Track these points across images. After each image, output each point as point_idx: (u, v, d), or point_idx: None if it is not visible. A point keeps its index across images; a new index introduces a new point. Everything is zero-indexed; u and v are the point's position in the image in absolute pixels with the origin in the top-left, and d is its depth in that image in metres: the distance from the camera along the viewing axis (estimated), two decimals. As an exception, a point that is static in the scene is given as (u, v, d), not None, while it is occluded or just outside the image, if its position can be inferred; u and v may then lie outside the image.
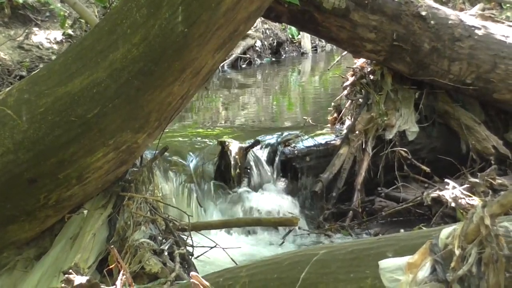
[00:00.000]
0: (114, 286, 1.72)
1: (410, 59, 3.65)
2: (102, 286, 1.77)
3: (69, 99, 1.98)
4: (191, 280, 1.47)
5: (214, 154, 3.64)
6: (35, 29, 7.28)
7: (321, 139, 3.95)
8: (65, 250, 2.04)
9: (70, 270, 1.82)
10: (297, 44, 9.64)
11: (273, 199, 3.62)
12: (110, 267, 1.94)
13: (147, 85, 1.96)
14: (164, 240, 2.20)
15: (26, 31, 6.97)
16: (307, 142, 3.91)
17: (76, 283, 1.75)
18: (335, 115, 4.10)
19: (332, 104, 4.18)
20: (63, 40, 7.27)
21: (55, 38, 7.27)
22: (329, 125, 4.15)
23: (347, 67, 4.19)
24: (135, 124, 2.04)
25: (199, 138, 3.82)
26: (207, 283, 1.46)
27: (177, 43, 1.96)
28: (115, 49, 1.98)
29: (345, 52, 4.25)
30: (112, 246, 1.92)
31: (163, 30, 1.94)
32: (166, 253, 2.09)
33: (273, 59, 8.63)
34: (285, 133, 4.04)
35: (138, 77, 1.94)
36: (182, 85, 2.03)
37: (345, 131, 3.85)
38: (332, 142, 3.88)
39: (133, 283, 1.73)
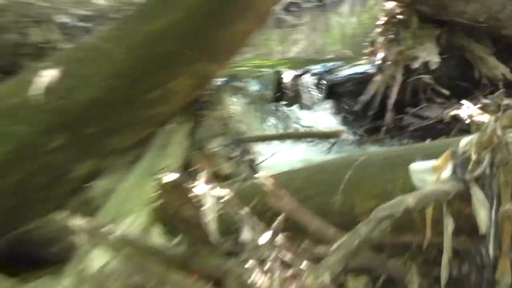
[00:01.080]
0: (198, 182, 2.21)
1: (432, 1, 4.29)
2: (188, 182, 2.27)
3: (155, 36, 2.38)
4: (259, 175, 1.92)
5: (272, 80, 4.37)
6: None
7: (359, 69, 4.65)
8: (156, 156, 2.54)
9: (161, 172, 2.33)
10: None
11: (320, 117, 4.32)
12: (192, 169, 2.44)
13: (218, 23, 2.32)
14: (234, 149, 2.67)
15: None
16: (348, 71, 4.65)
17: (168, 180, 2.25)
18: (371, 48, 4.69)
19: (369, 39, 4.77)
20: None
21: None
22: (366, 57, 4.76)
23: (380, 9, 4.75)
24: (209, 56, 2.44)
25: (258, 68, 4.36)
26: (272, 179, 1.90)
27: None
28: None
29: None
30: (194, 152, 2.41)
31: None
32: (236, 159, 2.58)
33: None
34: (330, 64, 4.75)
35: (211, 17, 2.30)
36: (246, 23, 2.38)
37: (379, 62, 4.48)
38: (368, 71, 4.54)
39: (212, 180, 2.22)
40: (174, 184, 2.12)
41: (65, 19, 2.88)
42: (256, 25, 2.52)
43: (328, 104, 4.42)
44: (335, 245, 1.77)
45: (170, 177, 2.12)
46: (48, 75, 2.41)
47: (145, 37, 2.41)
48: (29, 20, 2.84)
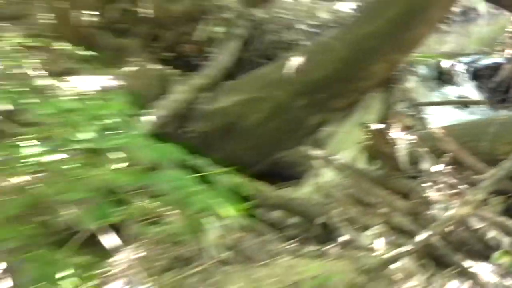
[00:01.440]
0: (392, 130, 3.40)
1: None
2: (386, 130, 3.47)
3: (364, 36, 3.68)
4: (432, 127, 3.16)
5: (435, 67, 6.17)
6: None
7: (493, 60, 6.34)
8: (362, 113, 3.84)
9: (366, 123, 3.64)
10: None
11: (468, 91, 5.98)
12: (387, 121, 3.70)
13: (406, 28, 3.55)
14: (413, 109, 3.91)
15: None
16: (486, 61, 6.37)
17: (373, 128, 3.53)
18: (502, 47, 6.39)
19: (500, 41, 6.60)
20: None
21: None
22: (498, 52, 6.42)
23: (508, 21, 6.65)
24: (398, 50, 3.69)
25: (426, 58, 5.89)
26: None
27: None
28: (388, 8, 3.61)
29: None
30: (388, 111, 3.68)
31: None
32: (414, 116, 3.82)
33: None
34: (474, 56, 6.56)
35: (401, 24, 3.53)
36: (423, 28, 3.57)
37: (507, 55, 6.07)
38: (500, 61, 6.16)
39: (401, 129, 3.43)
40: (377, 131, 3.43)
41: (303, 26, 4.35)
42: (430, 30, 3.68)
43: (472, 83, 6.15)
44: (487, 174, 2.90)
45: (374, 126, 3.43)
46: (295, 61, 3.87)
47: (357, 37, 3.74)
48: (282, 27, 4.36)
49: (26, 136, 1.86)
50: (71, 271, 1.71)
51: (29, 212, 1.66)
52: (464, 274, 2.63)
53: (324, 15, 4.73)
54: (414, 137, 3.34)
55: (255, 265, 2.51)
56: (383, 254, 2.63)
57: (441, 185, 3.19)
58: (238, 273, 2.44)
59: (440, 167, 3.23)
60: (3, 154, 1.78)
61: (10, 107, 2.40)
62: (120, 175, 1.73)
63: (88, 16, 4.14)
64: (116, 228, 2.02)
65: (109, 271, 2.17)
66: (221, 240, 2.60)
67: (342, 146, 3.72)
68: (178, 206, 1.90)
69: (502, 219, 2.89)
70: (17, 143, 1.84)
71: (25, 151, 1.79)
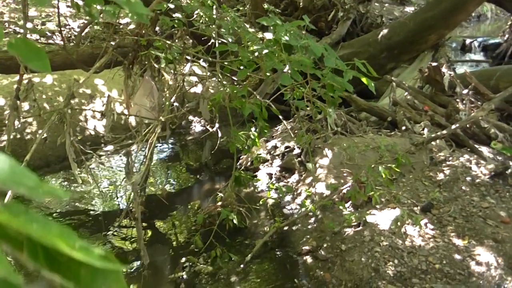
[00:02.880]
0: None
1: None
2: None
3: (427, 18, 6.76)
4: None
5: (460, 42, 9.14)
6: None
7: (495, 40, 9.14)
8: (419, 62, 6.90)
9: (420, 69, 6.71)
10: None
11: (479, 57, 8.94)
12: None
13: (452, 14, 6.55)
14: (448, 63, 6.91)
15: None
16: (491, 41, 9.46)
17: (431, 65, 6.57)
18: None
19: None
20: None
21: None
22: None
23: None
24: (445, 27, 6.71)
25: (454, 37, 8.48)
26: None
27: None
28: (441, 3, 6.65)
29: None
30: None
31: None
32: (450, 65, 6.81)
33: None
34: (484, 37, 9.54)
35: (450, 10, 6.55)
36: (462, 15, 6.56)
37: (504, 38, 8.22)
38: (499, 41, 8.99)
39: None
40: (433, 66, 6.47)
41: (384, 19, 7.58)
42: (465, 17, 6.65)
43: (482, 53, 9.41)
44: (494, 95, 5.86)
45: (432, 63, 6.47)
46: (382, 31, 7.03)
47: (421, 18, 6.82)
48: (373, 15, 7.61)
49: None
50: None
51: None
52: (474, 151, 5.56)
53: (396, 13, 7.92)
54: (452, 73, 6.33)
55: (354, 135, 5.63)
56: (426, 136, 5.66)
57: (465, 101, 6.15)
58: (345, 139, 5.59)
59: (465, 91, 6.18)
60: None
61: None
62: None
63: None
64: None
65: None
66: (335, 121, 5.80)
67: (407, 78, 6.81)
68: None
69: (499, 122, 5.76)
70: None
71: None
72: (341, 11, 7.71)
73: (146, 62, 4.55)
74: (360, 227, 3.74)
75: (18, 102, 5.48)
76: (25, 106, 5.79)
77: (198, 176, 5.33)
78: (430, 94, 6.28)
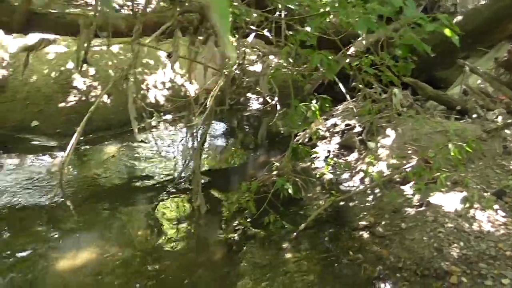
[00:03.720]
0: None
1: None
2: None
3: (500, 7, 6.31)
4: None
5: None
6: None
7: None
8: (493, 54, 6.49)
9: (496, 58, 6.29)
10: None
11: None
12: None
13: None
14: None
15: None
16: None
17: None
18: None
19: None
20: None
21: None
22: None
23: None
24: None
25: None
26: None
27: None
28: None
29: None
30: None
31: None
32: None
33: None
34: None
35: None
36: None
37: None
38: None
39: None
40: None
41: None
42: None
43: None
44: None
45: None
46: (456, 19, 6.65)
47: (496, 7, 6.36)
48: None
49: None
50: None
51: None
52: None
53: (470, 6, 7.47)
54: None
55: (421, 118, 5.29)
56: (500, 123, 5.27)
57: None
58: (410, 120, 5.25)
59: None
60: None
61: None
62: None
63: None
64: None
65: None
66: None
67: (482, 68, 6.40)
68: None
69: None
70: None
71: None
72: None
73: (210, 29, 4.50)
74: (423, 208, 3.52)
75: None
76: (91, 71, 5.97)
77: (252, 152, 5.27)
78: (507, 81, 5.86)
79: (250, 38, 4.88)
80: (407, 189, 3.81)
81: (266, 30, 4.77)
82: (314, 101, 4.15)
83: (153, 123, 4.97)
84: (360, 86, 3.75)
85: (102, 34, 4.76)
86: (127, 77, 4.02)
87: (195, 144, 4.28)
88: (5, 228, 3.54)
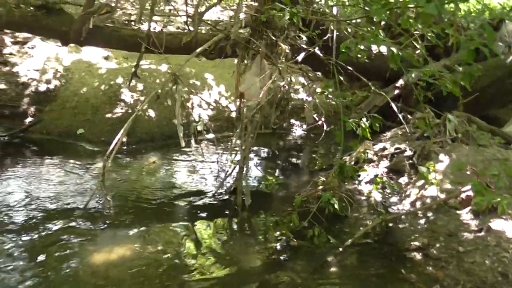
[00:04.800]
0: None
1: None
2: None
3: None
4: None
5: None
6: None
7: None
8: None
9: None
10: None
11: None
12: None
13: None
14: None
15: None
16: None
17: None
18: None
19: None
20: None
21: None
22: None
23: None
24: None
25: None
26: None
27: None
28: None
29: None
30: None
31: None
32: None
33: None
34: None
35: None
36: None
37: None
38: None
39: None
40: None
41: None
42: None
43: None
44: None
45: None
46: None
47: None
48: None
49: None
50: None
51: None
52: None
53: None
54: None
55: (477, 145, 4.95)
56: None
57: None
58: (465, 147, 4.94)
59: None
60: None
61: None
62: None
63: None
64: None
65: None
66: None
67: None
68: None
69: None
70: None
71: None
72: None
73: (261, 42, 4.47)
74: (482, 233, 3.23)
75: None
76: (140, 86, 6.07)
77: (293, 177, 5.11)
78: None
79: (300, 57, 4.83)
80: (464, 214, 3.53)
81: (316, 48, 4.74)
82: (364, 119, 3.99)
83: (199, 129, 4.92)
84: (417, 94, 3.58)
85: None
86: (176, 81, 4.01)
87: (238, 157, 4.19)
88: (52, 224, 3.50)
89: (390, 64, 3.24)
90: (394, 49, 3.11)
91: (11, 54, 6.17)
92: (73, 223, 3.52)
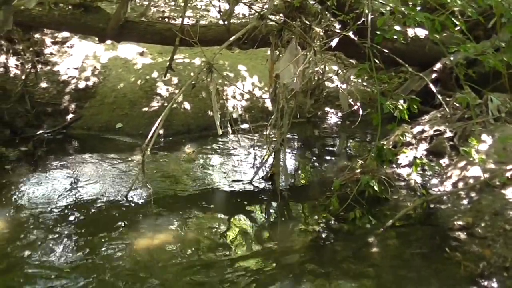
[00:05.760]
0: None
1: None
2: None
3: None
4: None
5: None
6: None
7: None
8: None
9: None
10: None
11: None
12: None
13: None
14: None
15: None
16: None
17: None
18: None
19: None
20: None
21: None
22: None
23: None
24: None
25: None
26: None
27: None
28: None
29: None
30: None
31: None
32: None
33: None
34: None
35: None
36: None
37: None
38: None
39: None
40: None
41: None
42: None
43: None
44: None
45: None
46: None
47: None
48: None
49: None
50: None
51: None
52: None
53: None
54: None
55: None
56: None
57: None
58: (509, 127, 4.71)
59: None
60: None
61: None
62: None
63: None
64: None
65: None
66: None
67: None
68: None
69: None
70: None
71: None
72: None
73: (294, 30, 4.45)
74: (531, 211, 3.13)
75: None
76: (175, 80, 6.17)
77: (329, 162, 5.08)
78: None
79: (334, 42, 4.78)
80: (509, 193, 3.42)
81: (351, 32, 4.68)
82: (401, 101, 3.92)
83: (234, 116, 4.93)
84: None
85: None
86: (211, 70, 4.06)
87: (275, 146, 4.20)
88: (96, 213, 3.64)
89: (429, 36, 3.15)
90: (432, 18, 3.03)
91: (51, 54, 6.39)
92: (116, 212, 3.63)
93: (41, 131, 5.53)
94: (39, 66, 6.12)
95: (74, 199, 3.83)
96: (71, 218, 3.49)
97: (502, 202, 3.31)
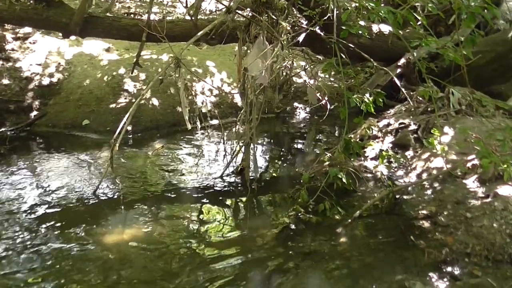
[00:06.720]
0: None
1: None
2: None
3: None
4: None
5: None
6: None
7: None
8: None
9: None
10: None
11: None
12: None
13: None
14: None
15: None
16: None
17: None
18: None
19: None
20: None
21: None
22: None
23: None
24: None
25: None
26: None
27: None
28: None
29: None
30: None
31: None
32: None
33: None
34: None
35: None
36: None
37: None
38: None
39: None
40: None
41: None
42: None
43: None
44: None
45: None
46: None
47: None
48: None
49: None
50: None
51: None
52: None
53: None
54: None
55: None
56: None
57: None
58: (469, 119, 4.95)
59: None
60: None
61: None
62: None
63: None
64: None
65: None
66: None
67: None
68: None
69: None
70: None
71: None
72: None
73: (261, 24, 4.48)
74: (489, 199, 3.26)
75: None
76: (142, 76, 6.10)
77: (298, 156, 5.14)
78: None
79: (301, 37, 4.83)
80: (470, 183, 3.55)
81: (317, 27, 4.74)
82: (367, 94, 4.00)
83: (203, 111, 4.93)
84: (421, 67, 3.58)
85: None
86: (179, 65, 4.03)
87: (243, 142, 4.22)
88: (63, 209, 3.58)
89: (393, 30, 3.23)
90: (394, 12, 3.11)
91: (13, 49, 6.20)
92: (84, 209, 3.58)
93: (3, 129, 5.38)
94: (0, 62, 5.94)
95: (40, 198, 3.74)
96: (37, 218, 3.41)
97: (464, 192, 3.44)
